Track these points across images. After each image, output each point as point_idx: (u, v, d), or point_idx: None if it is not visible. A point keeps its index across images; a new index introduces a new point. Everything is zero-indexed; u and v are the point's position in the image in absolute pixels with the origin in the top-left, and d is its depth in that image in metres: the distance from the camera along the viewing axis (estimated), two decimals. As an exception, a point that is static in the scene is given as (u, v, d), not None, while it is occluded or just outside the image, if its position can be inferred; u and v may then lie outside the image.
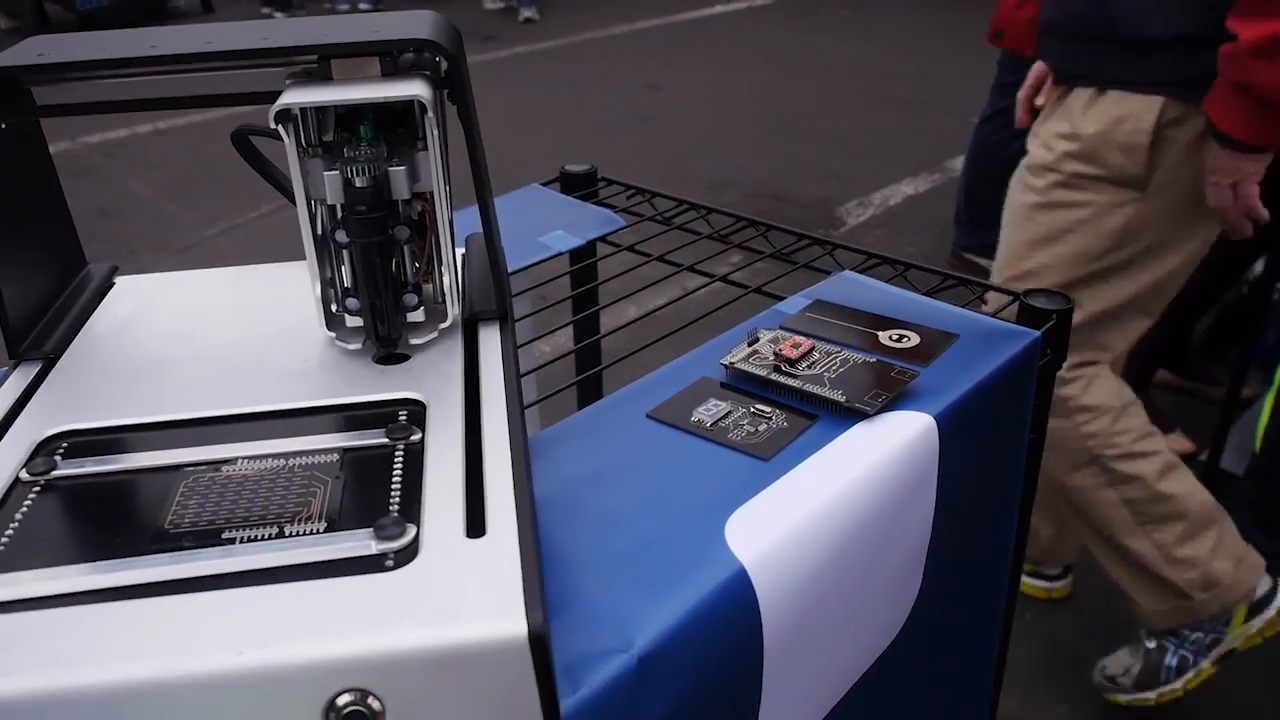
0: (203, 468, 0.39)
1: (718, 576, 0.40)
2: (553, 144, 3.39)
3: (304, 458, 0.40)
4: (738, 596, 0.40)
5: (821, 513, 0.44)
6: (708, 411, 0.50)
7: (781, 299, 0.62)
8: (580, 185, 0.82)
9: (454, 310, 0.48)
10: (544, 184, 0.82)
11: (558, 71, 4.61)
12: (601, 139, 3.71)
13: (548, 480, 0.46)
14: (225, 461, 0.39)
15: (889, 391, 0.50)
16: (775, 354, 0.53)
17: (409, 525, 0.35)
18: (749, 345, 0.55)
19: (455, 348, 0.47)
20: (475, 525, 0.35)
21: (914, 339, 0.56)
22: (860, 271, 0.66)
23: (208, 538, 0.35)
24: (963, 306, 0.61)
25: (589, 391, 0.91)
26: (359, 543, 0.35)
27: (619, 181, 0.81)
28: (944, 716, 0.66)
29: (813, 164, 3.36)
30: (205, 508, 0.37)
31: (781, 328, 0.58)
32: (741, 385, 0.53)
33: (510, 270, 0.67)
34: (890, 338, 0.56)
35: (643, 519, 0.43)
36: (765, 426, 0.49)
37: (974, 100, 2.78)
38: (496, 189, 0.55)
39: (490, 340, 0.48)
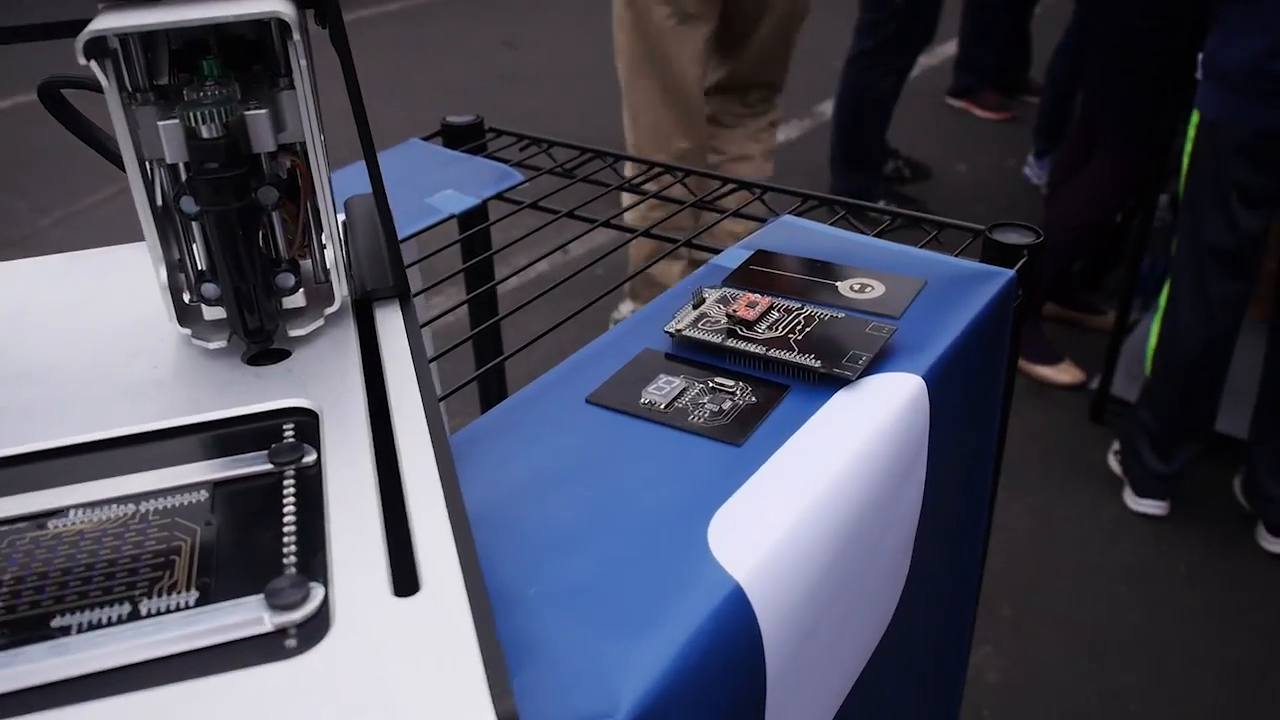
0: (21, 525, 0.29)
1: (710, 600, 0.32)
2: (409, 110, 3.23)
3: (161, 499, 0.30)
4: (736, 622, 0.32)
5: (817, 505, 0.36)
6: (659, 391, 0.42)
7: (716, 251, 0.54)
8: (466, 138, 0.72)
9: (341, 290, 0.38)
10: (424, 139, 0.72)
11: (407, 34, 4.41)
12: (461, 102, 3.56)
13: (475, 493, 0.37)
14: (51, 514, 0.29)
15: (868, 351, 0.43)
16: (728, 316, 0.45)
17: (313, 585, 0.26)
18: (694, 308, 0.47)
19: (348, 337, 0.38)
20: (405, 578, 0.26)
21: (878, 288, 0.49)
22: (797, 215, 0.58)
23: (30, 629, 0.25)
24: (920, 247, 0.54)
25: (492, 382, 0.82)
26: (246, 616, 0.25)
27: (511, 132, 0.72)
28: (924, 681, 0.60)
29: (682, 116, 3.28)
30: (25, 584, 0.27)
31: (726, 284, 0.50)
32: (693, 355, 0.45)
33: (400, 237, 0.57)
34: (852, 288, 0.49)
35: (603, 534, 0.35)
36: (730, 404, 0.41)
37: (836, 44, 2.74)
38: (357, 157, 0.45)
39: (390, 324, 0.39)
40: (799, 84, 3.48)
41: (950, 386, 0.45)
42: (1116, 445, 1.72)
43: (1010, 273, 0.50)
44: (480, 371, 0.50)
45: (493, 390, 0.82)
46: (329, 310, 0.38)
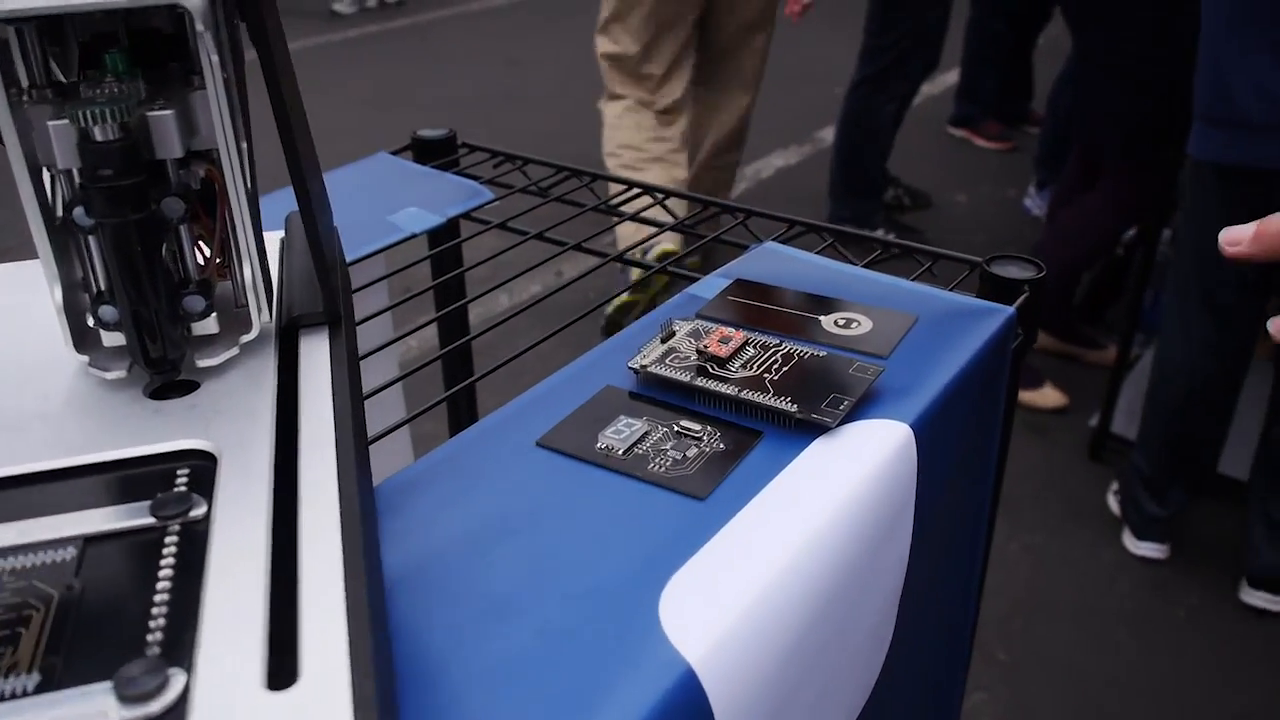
0: None
1: (658, 685, 0.28)
2: (408, 124, 3.21)
3: (20, 556, 0.26)
4: (686, 711, 0.28)
5: (787, 570, 0.32)
6: (618, 435, 0.38)
7: (694, 279, 0.50)
8: (437, 153, 0.68)
9: (260, 316, 0.34)
10: (393, 153, 0.68)
11: (412, 50, 4.40)
12: (463, 118, 3.54)
13: (404, 548, 0.33)
14: (-115, 574, 0.25)
15: (851, 395, 0.39)
16: (699, 351, 0.41)
17: (173, 672, 0.22)
18: (663, 342, 0.43)
19: (265, 369, 0.34)
20: (282, 667, 0.22)
21: (865, 323, 0.45)
22: (782, 242, 0.55)
23: None
24: (913, 279, 0.50)
25: (462, 408, 0.78)
26: (89, 708, 0.21)
27: (484, 148, 0.68)
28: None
29: (682, 138, 3.26)
30: None
31: (700, 316, 0.46)
32: (658, 395, 0.41)
33: (354, 258, 0.53)
34: (836, 323, 0.45)
35: (543, 601, 0.30)
36: (695, 451, 0.37)
37: (839, 69, 2.72)
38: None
39: (315, 354, 0.35)
40: (800, 109, 3.46)
41: (941, 434, 0.41)
42: (1116, 485, 1.68)
43: (1009, 310, 0.46)
44: (441, 399, 0.46)
45: (463, 417, 0.78)
46: (245, 338, 0.34)
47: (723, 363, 0.41)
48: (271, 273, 0.38)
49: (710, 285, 0.49)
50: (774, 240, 0.54)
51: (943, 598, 0.52)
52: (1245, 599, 1.47)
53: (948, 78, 3.52)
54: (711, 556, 0.32)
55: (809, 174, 2.98)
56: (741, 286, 0.48)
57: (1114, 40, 1.75)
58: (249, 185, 0.33)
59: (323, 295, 0.36)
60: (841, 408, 0.38)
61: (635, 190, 0.62)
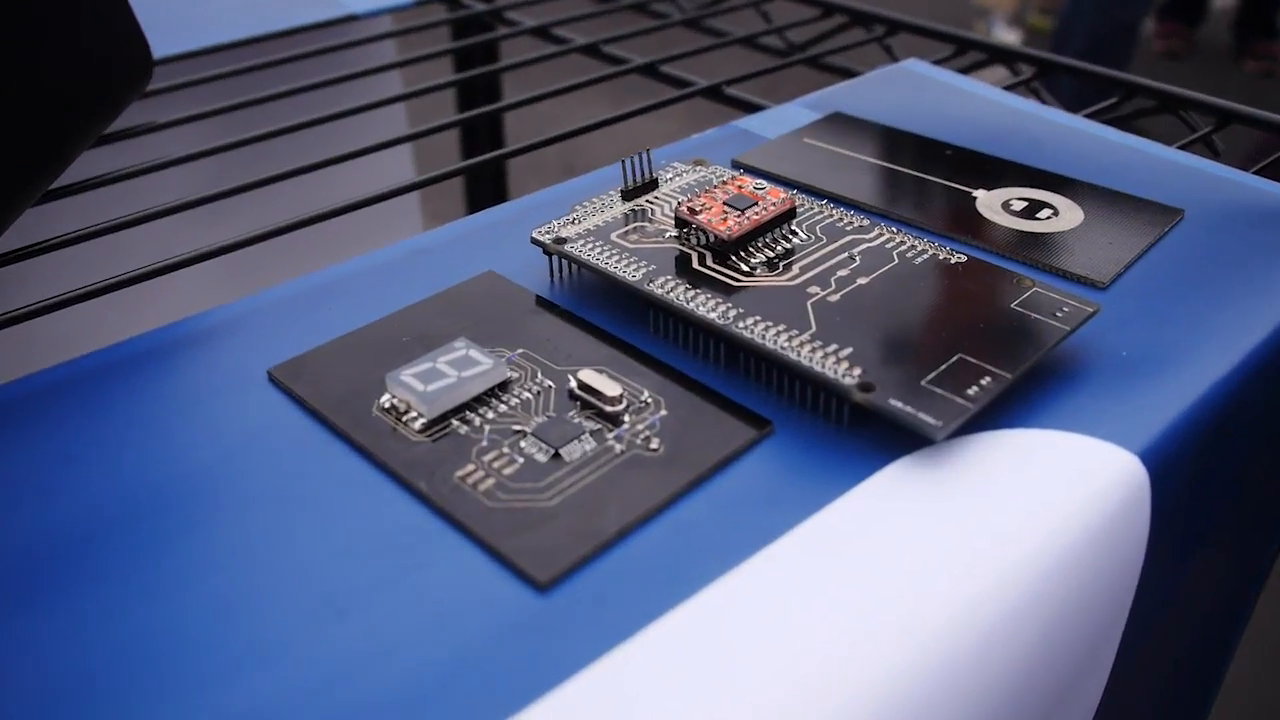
0: None
1: None
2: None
3: None
4: None
5: None
6: (433, 380, 0.16)
7: (761, 108, 0.28)
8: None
9: None
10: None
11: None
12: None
13: None
14: None
15: (1005, 366, 0.16)
16: (682, 218, 0.19)
17: None
18: (626, 197, 0.21)
19: None
20: None
21: (1070, 212, 0.22)
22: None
23: None
24: (1178, 148, 0.26)
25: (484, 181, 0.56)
26: None
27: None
28: None
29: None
30: None
31: (735, 164, 0.24)
32: (579, 306, 0.19)
33: (253, 34, 0.33)
34: (1008, 205, 0.22)
35: None
36: (589, 448, 0.15)
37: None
38: None
39: None
40: None
41: (1203, 460, 0.18)
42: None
43: (1388, 220, 0.22)
44: (453, 171, 0.26)
45: (485, 187, 0.54)
46: None
47: (726, 251, 0.18)
48: None
49: (782, 118, 0.26)
50: (926, 62, 0.31)
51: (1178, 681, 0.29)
52: None
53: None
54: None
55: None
56: (836, 126, 0.25)
57: None
58: None
59: None
60: (971, 393, 0.15)
61: (723, -18, 0.39)
